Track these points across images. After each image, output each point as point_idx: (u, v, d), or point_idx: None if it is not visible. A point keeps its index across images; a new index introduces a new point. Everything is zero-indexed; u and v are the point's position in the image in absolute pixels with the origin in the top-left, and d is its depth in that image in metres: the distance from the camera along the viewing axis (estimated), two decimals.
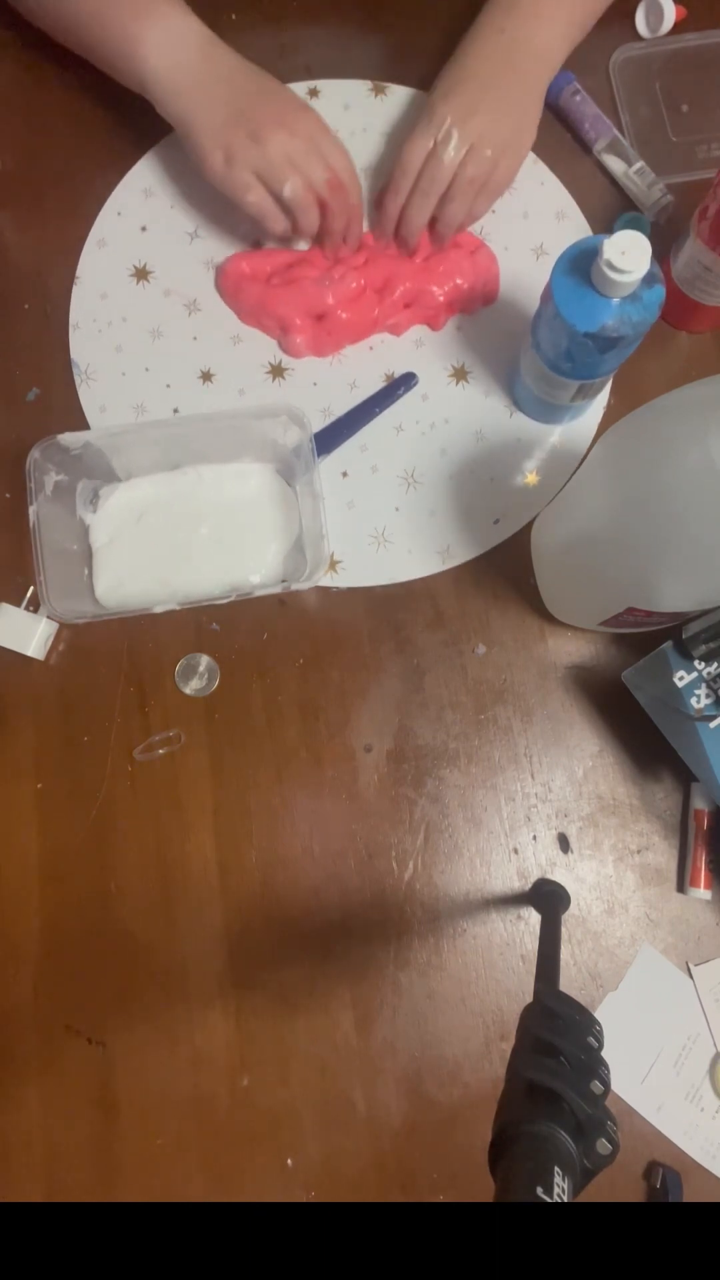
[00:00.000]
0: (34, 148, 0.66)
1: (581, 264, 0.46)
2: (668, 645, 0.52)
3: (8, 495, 0.61)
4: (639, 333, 0.47)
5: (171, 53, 0.57)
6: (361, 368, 0.62)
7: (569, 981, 0.54)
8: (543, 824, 0.56)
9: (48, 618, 0.58)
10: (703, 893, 0.54)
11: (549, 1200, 0.27)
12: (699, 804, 0.55)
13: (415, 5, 0.67)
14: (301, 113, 0.57)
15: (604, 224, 0.63)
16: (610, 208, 0.64)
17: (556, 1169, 0.28)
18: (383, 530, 0.60)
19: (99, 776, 0.57)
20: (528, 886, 0.55)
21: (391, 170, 0.59)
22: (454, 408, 0.61)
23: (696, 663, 0.51)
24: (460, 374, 0.62)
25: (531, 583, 0.59)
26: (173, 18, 0.57)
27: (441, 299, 0.61)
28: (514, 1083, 0.33)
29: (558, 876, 0.56)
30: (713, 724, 0.51)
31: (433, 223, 0.60)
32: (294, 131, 0.55)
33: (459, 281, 0.61)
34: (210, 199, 0.64)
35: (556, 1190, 0.27)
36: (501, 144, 0.58)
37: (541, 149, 0.64)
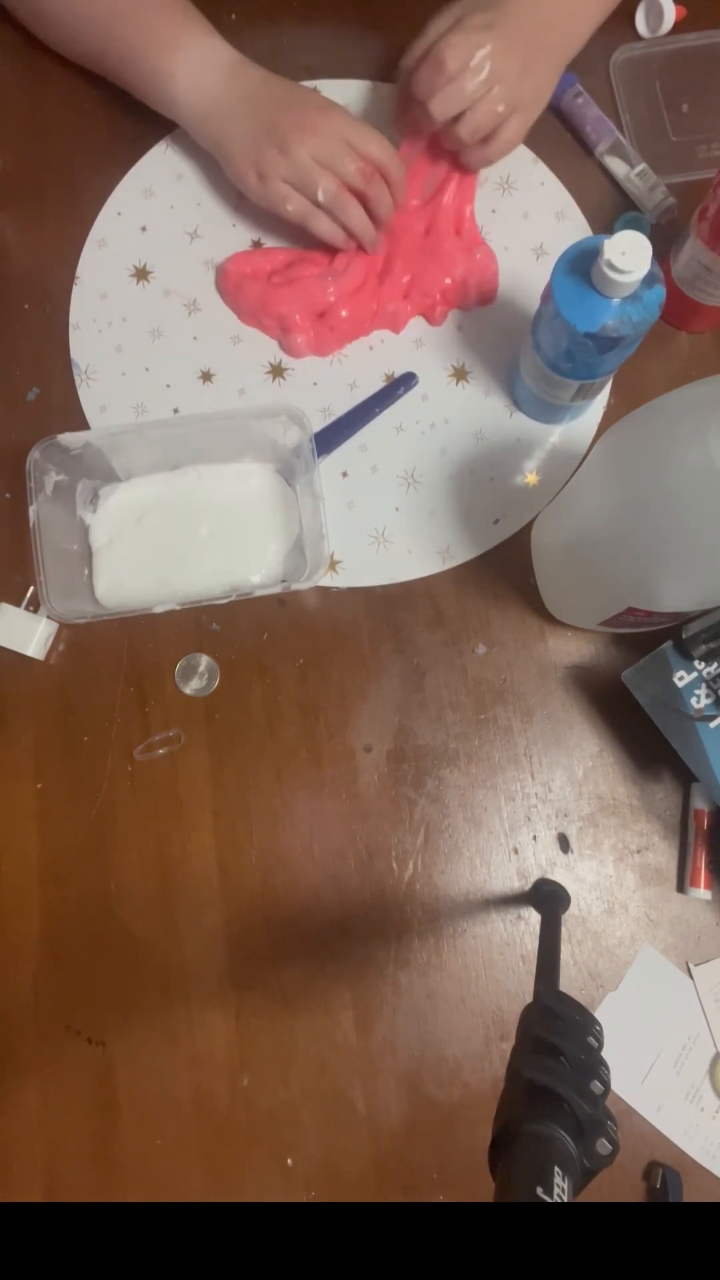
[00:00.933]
0: (34, 148, 0.66)
1: (582, 264, 0.46)
2: (668, 645, 0.52)
3: (8, 495, 0.61)
4: (639, 333, 0.47)
5: (199, 81, 0.58)
6: (361, 368, 0.62)
7: (569, 981, 0.54)
8: (543, 824, 0.56)
9: (48, 618, 0.58)
10: (703, 893, 0.54)
11: (549, 1200, 0.27)
12: (699, 804, 0.55)
13: (415, 5, 0.66)
14: (325, 113, 0.56)
15: (604, 224, 0.63)
16: (610, 208, 0.64)
17: (556, 1169, 0.28)
18: (383, 530, 0.60)
19: (99, 776, 0.57)
20: (528, 886, 0.55)
21: (423, 60, 0.55)
22: (454, 407, 0.61)
23: (696, 663, 0.51)
24: (460, 374, 0.62)
25: (531, 583, 0.59)
26: (200, 47, 0.58)
27: (440, 288, 0.60)
28: (514, 1083, 0.33)
29: (558, 876, 0.56)
30: (713, 724, 0.51)
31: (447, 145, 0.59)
32: (318, 132, 0.55)
33: (455, 274, 0.60)
34: (210, 199, 0.64)
35: (556, 1190, 0.27)
36: (517, 100, 0.56)
37: (542, 149, 0.64)
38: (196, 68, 0.58)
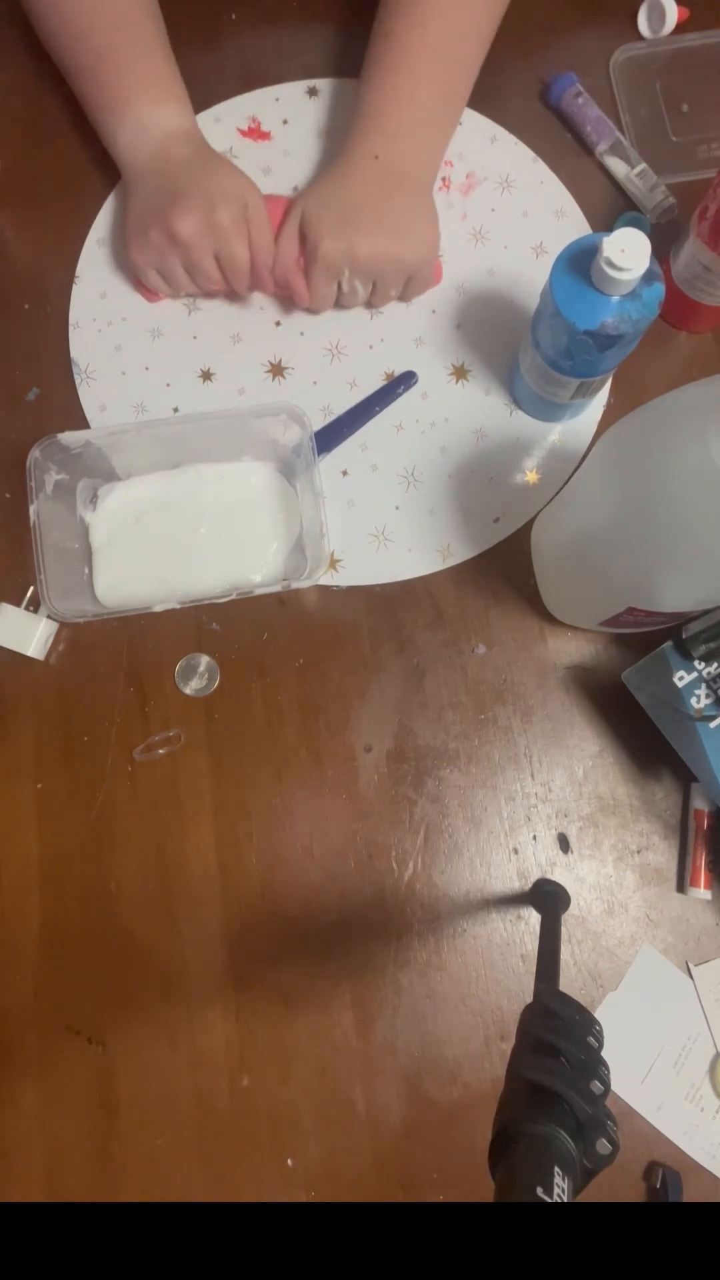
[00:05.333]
0: (34, 147, 0.66)
1: (581, 262, 0.46)
2: (668, 645, 0.52)
3: (8, 495, 0.61)
4: (638, 330, 0.47)
5: (132, 148, 0.59)
6: (361, 366, 0.62)
7: (569, 981, 0.54)
8: (543, 824, 0.56)
9: (48, 617, 0.58)
10: (703, 893, 0.54)
11: (549, 1200, 0.27)
12: (699, 804, 0.55)
13: None
14: (205, 219, 0.55)
15: (604, 224, 0.63)
16: (610, 207, 0.64)
17: (556, 1169, 0.28)
18: (383, 529, 0.60)
19: (99, 776, 0.57)
20: (528, 886, 0.55)
21: (304, 303, 0.59)
22: (454, 406, 0.61)
23: (696, 663, 0.51)
24: (460, 372, 0.62)
25: (531, 583, 0.59)
26: (149, 110, 0.59)
27: None
28: (514, 1083, 0.33)
29: (558, 876, 0.56)
30: (713, 724, 0.51)
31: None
32: (189, 244, 0.56)
33: None
34: None
35: (556, 1190, 0.27)
36: (406, 273, 0.59)
37: (542, 149, 0.64)
38: (132, 137, 0.59)
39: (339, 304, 0.61)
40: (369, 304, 0.62)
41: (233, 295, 0.62)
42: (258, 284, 0.59)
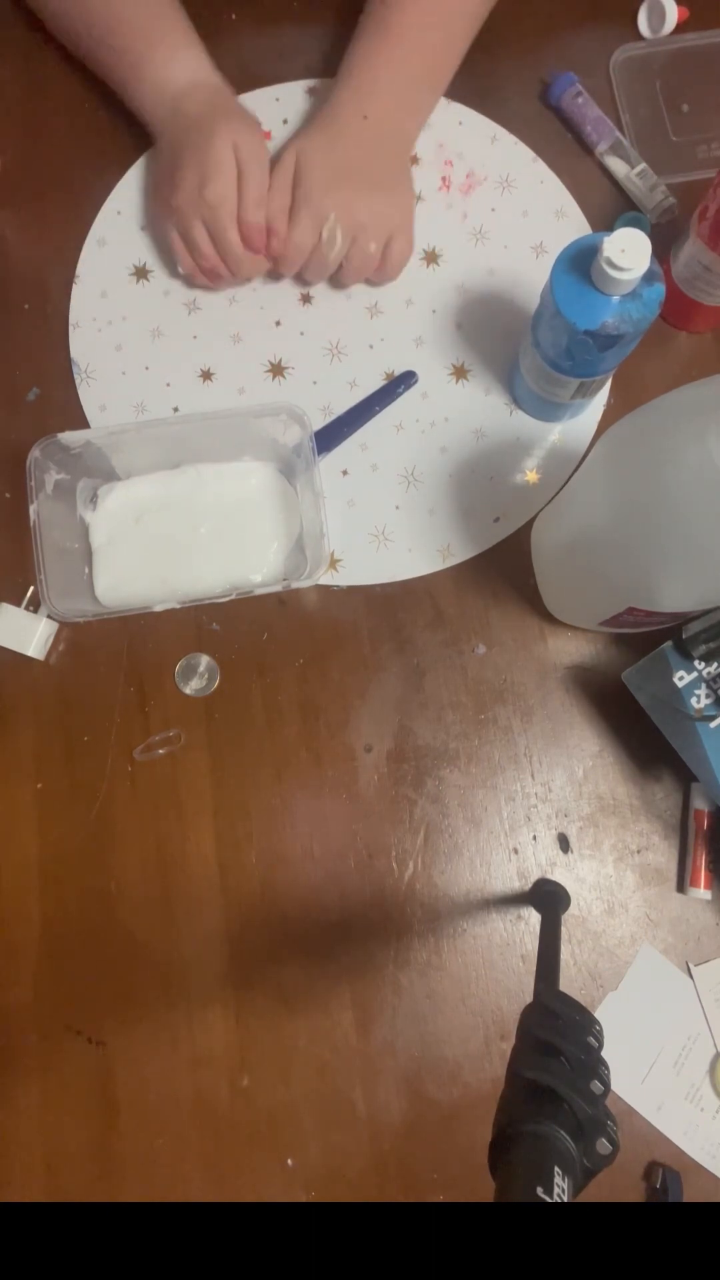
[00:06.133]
0: (34, 147, 0.66)
1: (581, 262, 0.46)
2: (668, 645, 0.52)
3: (8, 495, 0.61)
4: (639, 330, 0.47)
5: (155, 100, 0.60)
6: (361, 366, 0.62)
7: (569, 981, 0.54)
8: (543, 824, 0.56)
9: (48, 617, 0.58)
10: (703, 893, 0.54)
11: (549, 1200, 0.27)
12: (699, 804, 0.55)
13: None
14: (210, 186, 0.56)
15: (604, 224, 0.63)
16: (610, 207, 0.64)
17: (556, 1169, 0.28)
18: (383, 529, 0.60)
19: (99, 776, 0.57)
20: (528, 886, 0.55)
21: (282, 248, 0.59)
22: (454, 406, 0.61)
23: (696, 663, 0.51)
24: (460, 372, 0.62)
25: (531, 583, 0.59)
26: (164, 68, 0.60)
27: None
28: (514, 1083, 0.33)
29: (558, 876, 0.56)
30: (713, 724, 0.51)
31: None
32: (197, 216, 0.58)
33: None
34: None
35: (556, 1190, 0.27)
36: (388, 230, 0.60)
37: (542, 148, 0.64)
38: (154, 97, 0.60)
39: (309, 269, 0.60)
40: (341, 276, 0.61)
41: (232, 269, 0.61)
42: (248, 241, 0.58)
